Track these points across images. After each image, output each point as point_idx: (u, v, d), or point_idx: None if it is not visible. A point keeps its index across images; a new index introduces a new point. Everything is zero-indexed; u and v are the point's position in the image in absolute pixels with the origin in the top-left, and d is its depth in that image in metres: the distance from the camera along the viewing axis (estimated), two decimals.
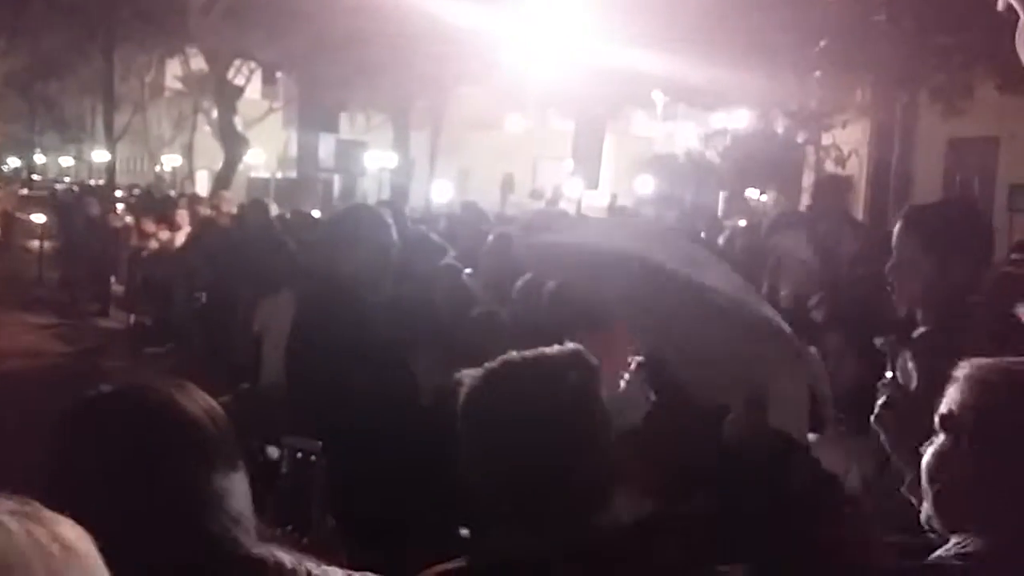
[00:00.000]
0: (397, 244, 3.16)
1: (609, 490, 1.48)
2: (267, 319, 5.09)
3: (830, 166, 10.90)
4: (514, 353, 1.52)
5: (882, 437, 1.84)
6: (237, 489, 1.26)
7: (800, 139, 11.46)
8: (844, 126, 11.44)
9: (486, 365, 1.52)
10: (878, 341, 2.00)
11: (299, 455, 1.50)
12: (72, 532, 0.77)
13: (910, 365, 1.88)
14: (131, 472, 1.20)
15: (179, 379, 1.34)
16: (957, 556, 1.37)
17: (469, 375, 1.52)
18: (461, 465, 1.47)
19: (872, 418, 1.85)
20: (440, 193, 17.45)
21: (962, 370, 1.43)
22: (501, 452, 1.43)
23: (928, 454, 1.44)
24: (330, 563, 1.34)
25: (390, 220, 3.17)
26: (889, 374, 2.01)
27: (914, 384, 1.85)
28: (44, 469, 1.22)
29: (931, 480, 1.43)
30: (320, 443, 1.52)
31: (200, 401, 1.29)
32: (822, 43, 9.41)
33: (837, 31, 9.41)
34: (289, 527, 1.45)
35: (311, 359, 2.95)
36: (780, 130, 11.56)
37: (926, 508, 1.44)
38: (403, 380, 2.89)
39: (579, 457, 1.43)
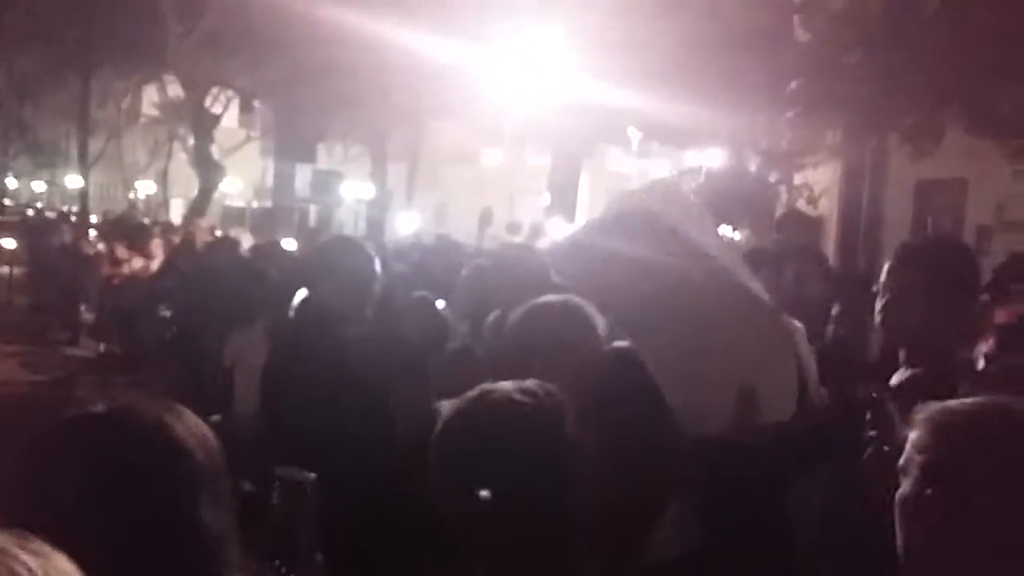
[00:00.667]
0: (379, 276, 3.18)
1: (586, 527, 1.47)
2: (239, 351, 5.05)
3: (802, 205, 11.08)
4: (488, 385, 1.52)
5: (867, 489, 1.83)
6: (224, 519, 1.23)
7: (772, 178, 11.65)
8: (816, 166, 11.63)
9: (462, 396, 1.52)
10: (861, 392, 2.00)
11: (290, 487, 1.48)
12: (68, 568, 0.77)
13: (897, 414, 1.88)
14: (115, 497, 1.15)
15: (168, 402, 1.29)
16: None
17: (447, 407, 1.52)
18: (433, 497, 1.46)
19: (859, 471, 1.84)
20: (408, 225, 17.46)
21: (921, 415, 1.42)
22: (475, 485, 1.42)
23: (896, 502, 1.43)
24: None
25: (372, 252, 3.19)
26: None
27: (894, 433, 1.85)
28: (22, 488, 1.18)
29: (900, 528, 1.42)
30: (312, 475, 1.49)
31: (191, 425, 1.24)
32: (794, 84, 9.61)
33: (809, 72, 9.61)
34: (276, 561, 1.42)
35: (288, 391, 2.94)
36: (753, 168, 11.74)
37: (900, 556, 1.42)
38: (381, 415, 2.88)
39: (555, 492, 1.43)
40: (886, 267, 2.38)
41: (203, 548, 1.19)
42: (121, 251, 10.56)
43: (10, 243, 15.57)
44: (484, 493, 1.58)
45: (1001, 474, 1.34)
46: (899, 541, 1.41)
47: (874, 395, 2.05)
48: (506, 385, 1.51)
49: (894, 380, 2.30)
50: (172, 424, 1.22)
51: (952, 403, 1.45)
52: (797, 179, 11.74)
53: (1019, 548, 1.32)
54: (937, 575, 1.38)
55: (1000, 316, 4.72)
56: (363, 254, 3.17)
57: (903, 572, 1.42)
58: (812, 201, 11.37)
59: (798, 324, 1.77)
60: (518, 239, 14.02)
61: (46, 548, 0.76)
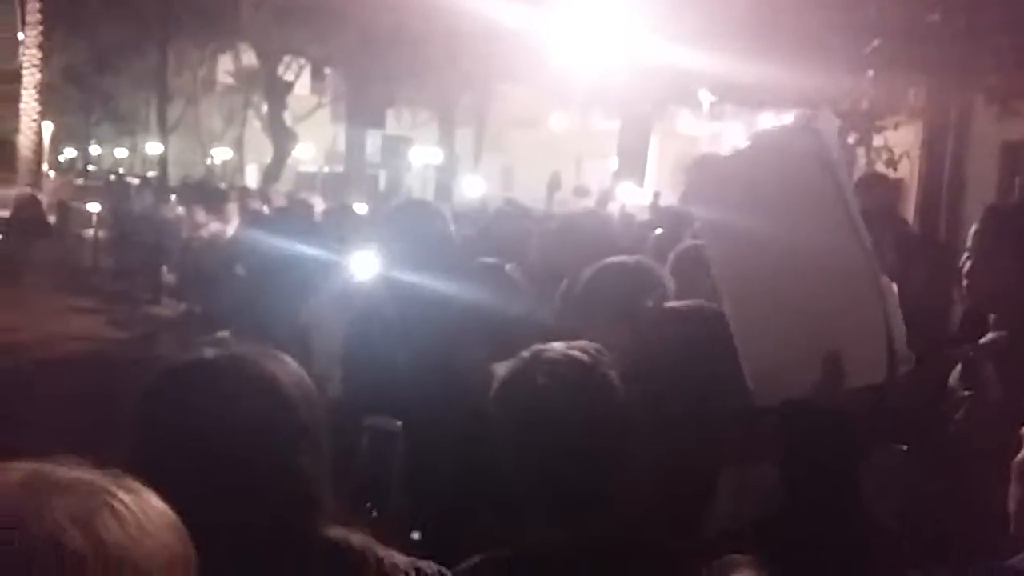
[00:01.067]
0: (452, 240, 3.22)
1: (639, 484, 1.49)
2: (316, 311, 5.20)
3: (881, 168, 10.73)
4: (541, 345, 1.57)
5: (959, 450, 1.81)
6: (320, 464, 1.25)
7: (851, 140, 11.28)
8: (896, 127, 11.22)
9: (519, 356, 1.56)
10: (957, 351, 1.97)
11: (381, 434, 1.52)
12: (161, 506, 0.80)
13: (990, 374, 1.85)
14: (218, 440, 1.18)
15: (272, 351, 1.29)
16: None
17: (504, 366, 1.56)
18: (494, 456, 1.51)
19: (950, 430, 1.82)
20: (475, 189, 17.50)
21: None
22: (534, 444, 1.47)
23: (1017, 460, 1.44)
24: (396, 542, 1.36)
25: (447, 215, 3.23)
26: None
27: (991, 393, 1.82)
28: (127, 430, 1.20)
29: (1016, 489, 1.43)
30: (400, 424, 1.54)
31: (292, 372, 1.27)
32: (875, 43, 9.27)
33: (890, 31, 9.26)
34: (367, 504, 1.46)
35: (367, 351, 3.02)
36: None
37: (1011, 513, 1.43)
38: (453, 375, 2.93)
39: (607, 448, 1.46)
40: (972, 231, 2.33)
41: (300, 491, 1.21)
42: (200, 215, 10.89)
43: (95, 207, 16.18)
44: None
45: None
46: (1013, 501, 1.42)
47: (970, 354, 2.01)
48: (558, 345, 1.56)
49: (985, 340, 2.25)
50: (275, 371, 1.24)
51: None
52: (876, 141, 11.35)
53: None
54: None
55: None
56: (438, 217, 3.20)
57: (1016, 532, 1.42)
58: (892, 164, 10.99)
59: (893, 286, 1.74)
60: (586, 203, 13.96)
61: (140, 487, 0.79)
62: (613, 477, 1.45)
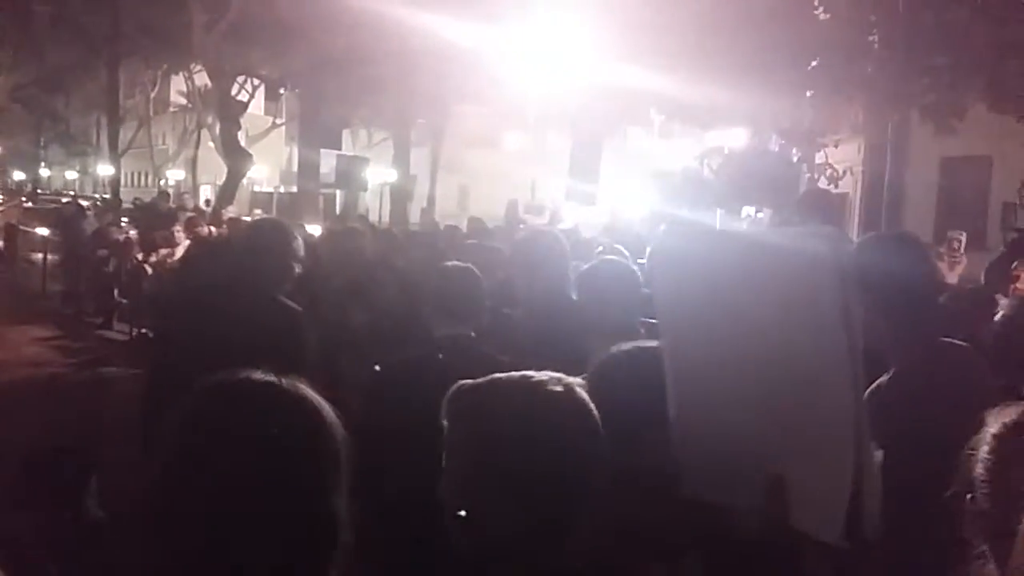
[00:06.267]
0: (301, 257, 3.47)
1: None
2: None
3: (824, 184, 11.05)
4: (504, 376, 1.51)
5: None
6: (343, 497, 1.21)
7: (794, 157, 11.57)
8: (837, 145, 11.56)
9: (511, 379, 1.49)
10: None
11: None
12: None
13: None
14: (264, 463, 1.13)
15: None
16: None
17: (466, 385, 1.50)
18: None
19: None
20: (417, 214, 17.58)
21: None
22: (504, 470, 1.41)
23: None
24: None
25: (297, 236, 3.51)
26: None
27: None
28: (158, 455, 1.15)
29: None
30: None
31: (326, 403, 1.23)
32: (815, 63, 9.58)
33: (830, 51, 9.57)
34: None
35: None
36: (775, 148, 11.67)
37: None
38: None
39: (577, 482, 1.41)
40: None
41: (331, 524, 1.17)
42: (152, 237, 10.80)
43: (45, 231, 15.92)
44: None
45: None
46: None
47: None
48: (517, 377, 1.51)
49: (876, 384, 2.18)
50: (313, 396, 1.21)
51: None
52: (818, 158, 11.68)
53: None
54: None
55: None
56: (288, 236, 3.48)
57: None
58: (834, 180, 11.31)
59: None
60: (542, 221, 14.09)
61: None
62: (579, 507, 1.40)
